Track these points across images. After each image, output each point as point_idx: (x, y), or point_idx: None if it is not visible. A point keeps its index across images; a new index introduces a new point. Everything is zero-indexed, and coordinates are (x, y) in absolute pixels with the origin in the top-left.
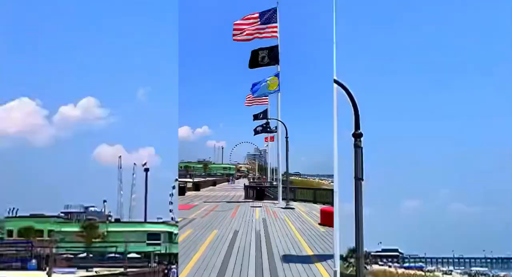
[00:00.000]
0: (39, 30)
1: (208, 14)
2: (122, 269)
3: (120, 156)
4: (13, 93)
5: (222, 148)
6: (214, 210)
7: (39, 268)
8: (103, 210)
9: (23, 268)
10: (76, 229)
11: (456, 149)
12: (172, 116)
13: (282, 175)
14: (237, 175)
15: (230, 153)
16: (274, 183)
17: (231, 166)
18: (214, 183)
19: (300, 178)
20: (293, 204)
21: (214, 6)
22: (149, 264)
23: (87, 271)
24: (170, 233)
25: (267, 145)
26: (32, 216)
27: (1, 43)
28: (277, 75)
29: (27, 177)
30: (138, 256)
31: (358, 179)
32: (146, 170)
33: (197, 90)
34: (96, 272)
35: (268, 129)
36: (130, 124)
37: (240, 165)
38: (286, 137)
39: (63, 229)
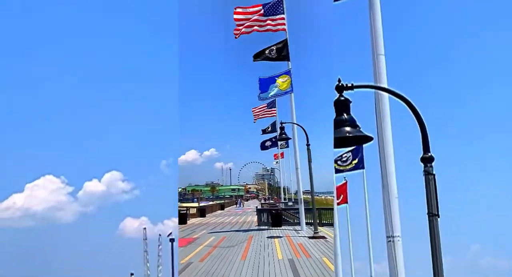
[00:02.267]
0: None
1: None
2: None
3: (145, 228)
4: (38, 172)
5: (230, 169)
6: (219, 246)
7: None
8: None
9: None
10: None
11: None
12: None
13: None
14: (246, 196)
15: (238, 174)
16: (290, 203)
17: (240, 187)
18: (222, 207)
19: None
20: (321, 230)
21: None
22: None
23: None
24: None
25: (276, 162)
26: None
27: (23, 124)
28: (288, 73)
29: (52, 254)
30: None
31: (433, 215)
32: (172, 240)
33: (201, 113)
34: None
35: (283, 135)
36: (155, 196)
37: (249, 186)
38: (308, 145)
39: None
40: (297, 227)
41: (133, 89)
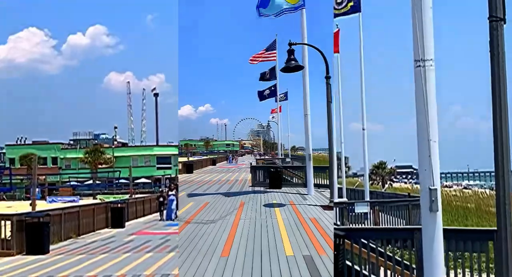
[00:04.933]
0: None
1: None
2: (127, 196)
3: (129, 82)
4: (21, 23)
5: (225, 125)
6: (192, 221)
7: (42, 197)
8: (114, 136)
9: (27, 198)
10: (80, 155)
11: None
12: (182, 44)
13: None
14: (241, 151)
15: (233, 130)
16: (287, 160)
17: (235, 142)
18: (213, 162)
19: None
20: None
21: None
22: (154, 189)
23: (93, 198)
24: None
25: (273, 117)
26: (35, 143)
27: None
28: None
29: (37, 106)
30: (148, 181)
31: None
32: (156, 95)
33: (198, 70)
34: (100, 199)
35: (292, 61)
36: (140, 51)
37: (244, 142)
38: (327, 78)
39: (67, 156)
40: (301, 190)
41: None
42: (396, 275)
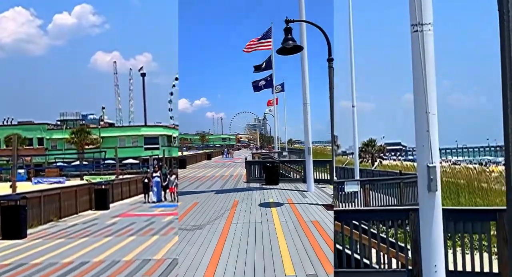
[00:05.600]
0: None
1: None
2: (114, 177)
3: (115, 62)
4: (6, 3)
5: (221, 119)
6: (178, 226)
7: (28, 178)
8: (102, 116)
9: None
10: (67, 136)
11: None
12: (171, 20)
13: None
14: (238, 145)
15: (229, 124)
16: (284, 153)
17: (231, 136)
18: (208, 157)
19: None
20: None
21: None
22: (142, 169)
23: (81, 179)
24: (169, 136)
25: (270, 110)
26: (21, 123)
27: None
28: None
29: (24, 86)
30: (136, 161)
31: None
32: (143, 75)
33: (194, 63)
34: (87, 180)
35: (290, 41)
36: (127, 31)
37: (240, 136)
38: (330, 60)
39: (53, 136)
40: (300, 186)
41: None
42: (389, 257)
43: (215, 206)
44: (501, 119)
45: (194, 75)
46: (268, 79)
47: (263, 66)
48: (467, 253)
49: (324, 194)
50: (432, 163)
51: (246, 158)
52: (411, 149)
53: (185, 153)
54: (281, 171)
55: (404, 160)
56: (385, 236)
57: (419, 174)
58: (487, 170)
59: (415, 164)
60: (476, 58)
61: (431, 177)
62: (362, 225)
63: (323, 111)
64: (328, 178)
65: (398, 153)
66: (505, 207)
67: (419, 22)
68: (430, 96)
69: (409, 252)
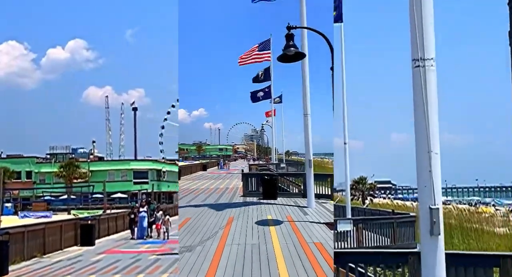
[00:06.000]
0: None
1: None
2: (101, 211)
3: (107, 96)
4: (1, 36)
5: (219, 130)
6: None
7: (15, 212)
8: (92, 150)
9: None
10: (55, 169)
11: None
12: (163, 57)
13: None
14: (235, 156)
15: (227, 134)
16: (282, 165)
17: (228, 147)
18: (204, 167)
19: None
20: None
21: None
22: (130, 204)
23: (68, 214)
24: (159, 171)
25: (267, 121)
26: (9, 157)
27: None
28: None
29: (14, 120)
30: (125, 196)
31: None
32: (135, 109)
33: (192, 72)
34: (74, 215)
35: (292, 48)
36: (119, 66)
37: (237, 146)
38: (332, 68)
39: (42, 170)
40: (300, 201)
41: None
42: None
43: (207, 223)
44: (490, 159)
45: (193, 84)
46: (267, 90)
47: (261, 77)
48: None
49: (326, 210)
50: (435, 204)
51: (242, 170)
52: (400, 187)
53: (180, 163)
54: (279, 185)
55: (394, 198)
56: None
57: (421, 217)
58: (478, 211)
59: (407, 203)
60: (464, 96)
61: (434, 220)
62: (359, 268)
63: (321, 122)
64: (329, 192)
65: (388, 192)
66: (509, 253)
67: (421, 57)
68: (432, 134)
69: None
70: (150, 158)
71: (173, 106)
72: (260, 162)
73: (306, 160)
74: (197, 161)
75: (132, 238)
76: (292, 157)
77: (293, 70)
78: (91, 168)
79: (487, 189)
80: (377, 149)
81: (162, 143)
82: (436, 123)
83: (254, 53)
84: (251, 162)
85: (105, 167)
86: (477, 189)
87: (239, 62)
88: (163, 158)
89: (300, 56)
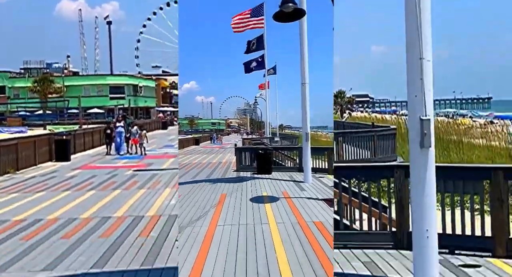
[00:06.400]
0: None
1: None
2: (77, 127)
3: (80, 9)
4: None
5: (211, 103)
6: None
7: None
8: (66, 65)
9: None
10: (29, 84)
11: None
12: None
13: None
14: (228, 130)
15: (219, 108)
16: (276, 139)
17: (221, 121)
18: (196, 142)
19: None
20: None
21: None
22: (107, 119)
23: (44, 129)
24: (135, 86)
25: (260, 94)
26: None
27: None
28: None
29: None
30: (101, 111)
31: None
32: (109, 23)
33: (183, 45)
34: (50, 130)
35: (289, 3)
36: None
37: (230, 120)
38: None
39: (15, 85)
40: (296, 176)
41: None
42: (370, 217)
43: (198, 201)
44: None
45: (183, 56)
46: (260, 59)
47: (253, 46)
48: (457, 215)
49: (323, 186)
50: (426, 115)
51: (235, 144)
52: (378, 100)
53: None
54: (274, 159)
55: (372, 111)
56: (366, 195)
57: (411, 128)
58: (457, 122)
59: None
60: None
61: (425, 131)
62: (342, 183)
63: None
64: (326, 166)
65: (366, 105)
66: (501, 165)
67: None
68: (424, 40)
69: (390, 211)
70: (127, 73)
71: (149, 19)
72: (254, 136)
73: (303, 133)
74: (189, 135)
75: (108, 154)
76: (286, 131)
77: (288, 37)
78: (66, 83)
79: (463, 101)
80: (356, 63)
81: (138, 57)
82: (428, 29)
83: (247, 19)
84: (245, 136)
85: (80, 82)
86: (454, 101)
87: (233, 28)
88: (139, 72)
89: (299, 13)
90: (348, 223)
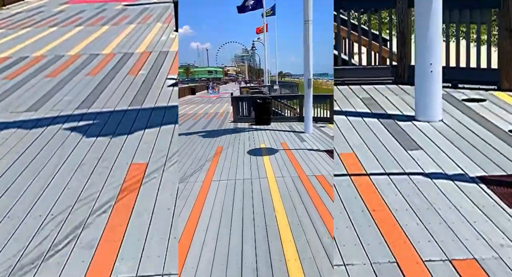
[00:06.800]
0: None
1: None
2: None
3: None
4: None
5: (207, 50)
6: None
7: None
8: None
9: None
10: None
11: None
12: None
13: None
14: (225, 79)
15: (216, 55)
16: (275, 87)
17: (218, 69)
18: (192, 91)
19: (291, 79)
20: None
21: None
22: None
23: None
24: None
25: (258, 38)
26: None
27: None
28: None
29: None
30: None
31: None
32: None
33: None
34: None
35: None
36: None
37: (228, 68)
38: None
39: None
40: (295, 126)
41: None
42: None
43: (193, 154)
44: None
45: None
46: None
47: None
48: (462, 47)
49: (325, 136)
50: None
51: (232, 94)
52: None
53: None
54: (273, 109)
55: None
56: (366, 28)
57: None
58: None
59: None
60: None
61: None
62: (341, 15)
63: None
64: (328, 115)
65: None
66: None
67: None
68: None
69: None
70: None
71: None
72: (252, 85)
73: (304, 79)
74: (185, 84)
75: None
76: (285, 78)
77: None
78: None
79: None
80: None
81: None
82: None
83: None
84: (243, 84)
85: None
86: None
87: None
88: None
89: None
90: (346, 58)
